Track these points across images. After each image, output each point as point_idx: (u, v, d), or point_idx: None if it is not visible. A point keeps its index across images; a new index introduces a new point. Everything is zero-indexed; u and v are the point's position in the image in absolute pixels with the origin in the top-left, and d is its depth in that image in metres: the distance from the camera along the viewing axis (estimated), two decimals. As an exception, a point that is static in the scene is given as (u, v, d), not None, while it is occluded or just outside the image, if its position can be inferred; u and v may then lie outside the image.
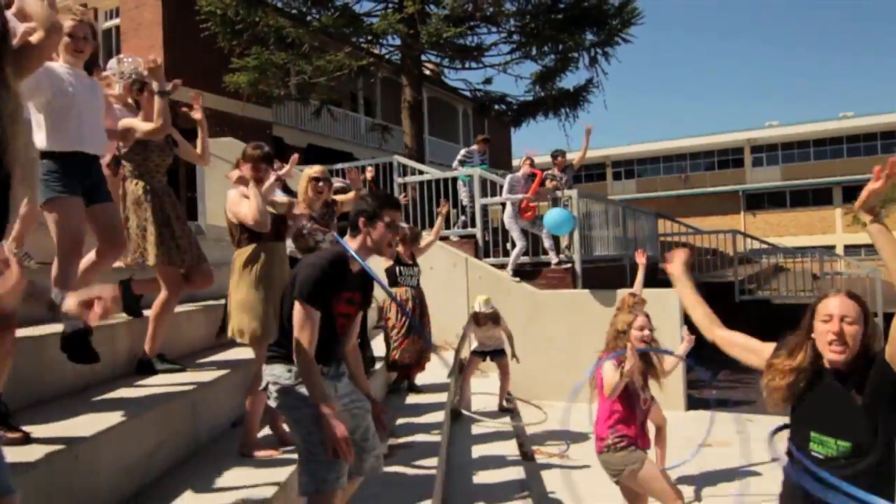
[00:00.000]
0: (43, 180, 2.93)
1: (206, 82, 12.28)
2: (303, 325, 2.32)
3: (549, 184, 8.48)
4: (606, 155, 39.05)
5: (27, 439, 2.24)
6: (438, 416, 5.04)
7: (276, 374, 2.37)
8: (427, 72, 21.43)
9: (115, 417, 2.59)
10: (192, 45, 12.01)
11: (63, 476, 2.17)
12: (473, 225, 9.15)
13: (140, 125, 3.52)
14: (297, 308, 2.34)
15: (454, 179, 9.57)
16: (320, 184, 4.25)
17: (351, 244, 2.52)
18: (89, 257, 3.25)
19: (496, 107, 14.10)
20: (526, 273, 8.49)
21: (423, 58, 12.69)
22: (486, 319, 6.34)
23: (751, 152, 35.78)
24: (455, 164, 9.76)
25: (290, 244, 3.96)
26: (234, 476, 2.79)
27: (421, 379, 6.41)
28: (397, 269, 5.73)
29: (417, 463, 3.84)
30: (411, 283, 5.77)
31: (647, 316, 3.65)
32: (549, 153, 9.02)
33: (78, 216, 3.00)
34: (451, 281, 8.65)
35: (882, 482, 1.78)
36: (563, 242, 8.54)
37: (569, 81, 15.04)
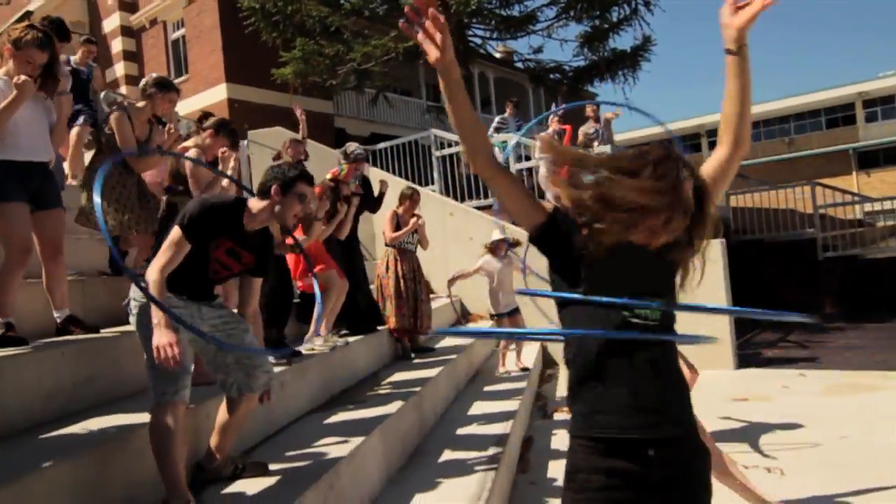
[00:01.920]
0: None
1: (263, 79, 12.87)
2: (168, 247, 2.40)
3: (581, 136, 8.24)
4: (700, 124, 36.80)
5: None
6: (432, 372, 4.97)
7: (136, 293, 2.45)
8: (498, 54, 21.17)
9: (30, 349, 2.77)
10: (249, 45, 12.57)
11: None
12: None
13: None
14: (173, 231, 2.43)
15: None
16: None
17: (256, 206, 2.57)
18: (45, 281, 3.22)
19: (551, 76, 13.75)
20: (563, 236, 8.22)
21: (469, 33, 12.58)
22: (503, 244, 5.82)
23: (863, 107, 32.52)
24: (490, 131, 9.61)
25: None
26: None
27: (443, 342, 6.35)
28: None
29: (382, 408, 3.82)
30: (409, 248, 5.67)
31: None
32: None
33: (23, 222, 2.98)
34: (490, 250, 8.52)
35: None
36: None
37: (622, 43, 14.33)
